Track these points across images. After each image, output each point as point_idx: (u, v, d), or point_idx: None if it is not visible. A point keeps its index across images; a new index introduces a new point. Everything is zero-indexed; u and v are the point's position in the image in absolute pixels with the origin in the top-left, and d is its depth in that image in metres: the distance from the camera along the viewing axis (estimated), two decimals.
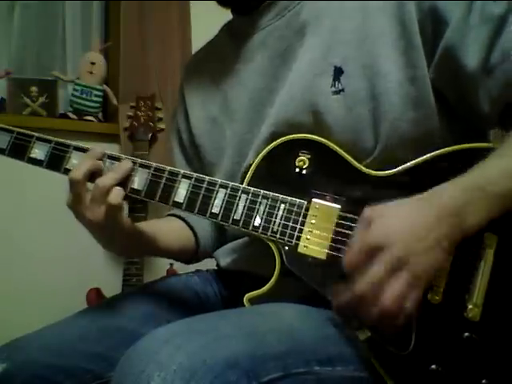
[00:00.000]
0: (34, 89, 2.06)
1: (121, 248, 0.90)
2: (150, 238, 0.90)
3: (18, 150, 0.85)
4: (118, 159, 0.84)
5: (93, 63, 2.08)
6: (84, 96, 2.08)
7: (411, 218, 0.68)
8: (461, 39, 0.77)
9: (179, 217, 1.02)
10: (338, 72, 0.83)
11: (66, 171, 0.84)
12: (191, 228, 1.01)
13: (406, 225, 0.67)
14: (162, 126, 1.92)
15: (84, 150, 0.84)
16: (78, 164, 0.81)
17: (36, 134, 0.85)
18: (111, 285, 1.91)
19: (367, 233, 0.67)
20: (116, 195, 0.79)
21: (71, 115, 2.10)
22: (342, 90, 0.82)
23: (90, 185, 0.81)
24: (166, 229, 0.97)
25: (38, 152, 0.85)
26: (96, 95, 2.09)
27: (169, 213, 1.06)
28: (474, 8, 0.77)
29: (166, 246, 0.95)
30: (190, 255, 1.02)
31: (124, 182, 0.82)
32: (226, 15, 1.01)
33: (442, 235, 0.67)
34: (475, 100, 0.80)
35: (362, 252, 0.67)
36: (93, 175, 0.81)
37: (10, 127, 0.86)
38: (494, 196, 0.69)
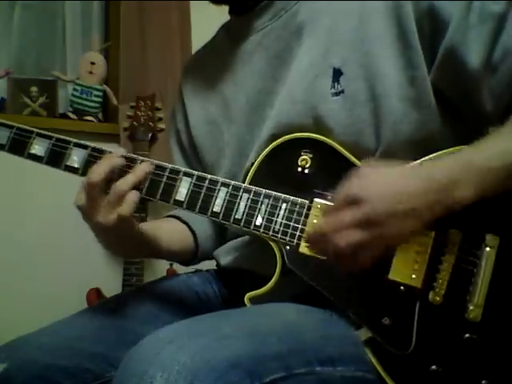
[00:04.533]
0: (33, 89, 2.06)
1: (123, 250, 0.90)
2: (152, 239, 0.90)
3: (18, 145, 0.84)
4: (134, 161, 0.82)
5: (93, 63, 2.09)
6: (84, 96, 2.08)
7: (398, 182, 0.72)
8: (462, 38, 0.77)
9: (178, 218, 1.02)
10: (337, 73, 0.83)
11: (67, 168, 0.83)
12: (190, 229, 1.01)
13: (388, 186, 0.71)
14: (162, 125, 1.92)
15: (85, 147, 0.83)
16: (97, 167, 0.79)
17: (36, 130, 0.84)
18: (111, 285, 1.91)
19: (352, 184, 0.72)
20: (130, 202, 0.78)
21: (71, 115, 2.10)
22: (342, 91, 0.82)
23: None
24: (167, 230, 0.97)
25: (38, 148, 0.84)
26: (96, 95, 2.09)
27: (168, 214, 1.05)
28: (474, 7, 0.77)
29: (167, 248, 0.94)
30: (189, 256, 1.02)
31: (140, 185, 0.81)
32: (226, 15, 1.00)
33: (424, 205, 0.70)
34: (478, 98, 0.80)
35: (339, 200, 0.72)
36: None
37: (10, 123, 0.85)
38: (486, 171, 0.71)
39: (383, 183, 0.71)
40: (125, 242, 0.84)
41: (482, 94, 0.79)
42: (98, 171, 0.78)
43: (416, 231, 0.72)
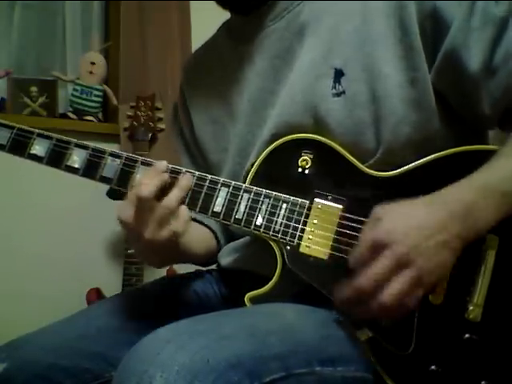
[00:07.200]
0: (34, 89, 2.06)
1: (162, 260, 0.88)
2: (186, 247, 0.88)
3: (19, 146, 0.84)
4: (178, 173, 0.81)
5: (93, 63, 2.09)
6: (84, 96, 2.08)
7: (421, 216, 0.69)
8: (463, 41, 0.77)
9: (195, 219, 1.01)
10: (339, 74, 0.82)
11: (67, 168, 0.83)
12: (213, 233, 1.01)
13: (413, 223, 0.68)
14: (162, 125, 1.92)
15: (86, 148, 0.84)
16: (147, 181, 0.77)
17: (37, 131, 0.85)
18: (111, 285, 1.91)
19: (374, 230, 0.69)
20: (184, 219, 0.77)
21: (71, 115, 2.10)
22: (343, 92, 0.82)
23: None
24: (196, 235, 0.96)
25: (39, 148, 0.84)
26: (96, 95, 2.10)
27: None
28: (476, 10, 0.77)
29: (197, 253, 0.94)
30: (212, 258, 1.01)
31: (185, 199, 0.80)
32: (226, 15, 1.00)
33: (452, 235, 0.68)
34: (476, 101, 0.80)
35: (366, 248, 0.68)
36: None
37: (11, 123, 0.85)
38: (504, 195, 0.70)
39: (406, 222, 0.68)
40: (166, 253, 0.83)
41: (481, 97, 0.79)
42: (150, 186, 0.76)
43: (449, 263, 0.69)
